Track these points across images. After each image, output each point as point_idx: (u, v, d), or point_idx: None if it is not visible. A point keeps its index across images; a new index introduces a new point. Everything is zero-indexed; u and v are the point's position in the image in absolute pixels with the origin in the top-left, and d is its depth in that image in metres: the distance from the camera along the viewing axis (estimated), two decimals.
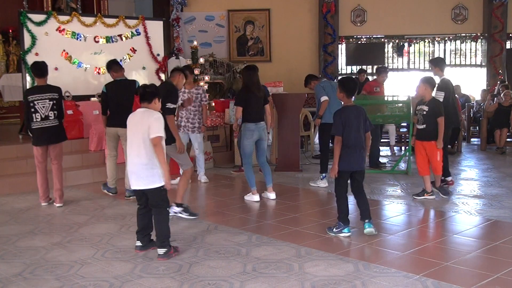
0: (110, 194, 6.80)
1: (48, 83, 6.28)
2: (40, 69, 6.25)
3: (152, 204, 4.44)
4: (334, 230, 5.00)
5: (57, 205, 6.28)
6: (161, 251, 4.38)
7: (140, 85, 4.72)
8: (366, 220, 5.00)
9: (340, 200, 5.03)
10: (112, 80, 6.71)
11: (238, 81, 12.66)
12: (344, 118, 4.91)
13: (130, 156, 4.43)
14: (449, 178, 7.07)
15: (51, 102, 6.12)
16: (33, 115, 6.05)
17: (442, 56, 14.17)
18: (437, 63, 7.15)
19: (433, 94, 6.96)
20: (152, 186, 4.35)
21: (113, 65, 6.73)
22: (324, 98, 7.27)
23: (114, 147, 6.75)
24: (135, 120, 4.44)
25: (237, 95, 6.49)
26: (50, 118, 6.13)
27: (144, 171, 4.32)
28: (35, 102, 6.05)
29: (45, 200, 6.33)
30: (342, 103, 5.13)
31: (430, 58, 13.78)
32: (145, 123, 4.30)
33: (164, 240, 4.40)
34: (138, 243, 4.56)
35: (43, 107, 6.07)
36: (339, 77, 8.12)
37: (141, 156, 4.31)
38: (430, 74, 7.58)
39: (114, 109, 6.61)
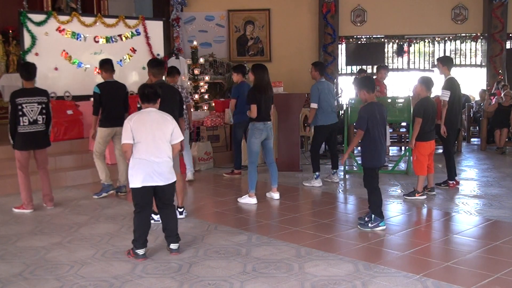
0: (106, 194, 6.69)
1: (36, 86, 6.11)
2: (28, 71, 6.04)
3: (166, 199, 4.50)
4: (370, 225, 5.13)
5: (49, 208, 6.25)
6: (176, 245, 4.49)
7: (141, 85, 4.63)
8: None
9: (374, 194, 5.18)
10: (103, 81, 6.70)
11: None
12: (370, 114, 5.08)
13: (150, 153, 4.33)
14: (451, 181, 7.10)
15: (40, 106, 5.96)
16: (20, 118, 5.85)
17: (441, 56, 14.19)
18: (445, 62, 7.13)
19: (439, 93, 7.01)
20: (172, 180, 4.48)
21: (105, 65, 6.71)
22: (313, 105, 7.31)
23: (105, 147, 6.76)
24: (152, 119, 4.41)
25: (248, 93, 6.42)
26: (39, 122, 5.98)
27: (167, 168, 4.42)
28: (23, 106, 5.85)
29: (32, 206, 6.12)
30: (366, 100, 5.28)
31: (437, 57, 13.71)
32: (169, 126, 4.46)
33: (178, 235, 4.55)
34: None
35: (32, 110, 5.90)
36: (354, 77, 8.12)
37: (166, 153, 4.42)
38: (430, 74, 7.59)
39: (108, 109, 6.61)
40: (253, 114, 6.28)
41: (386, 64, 13.65)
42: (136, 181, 4.35)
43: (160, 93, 4.56)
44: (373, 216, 5.15)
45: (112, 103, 6.63)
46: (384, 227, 5.14)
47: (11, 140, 6.01)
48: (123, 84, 6.92)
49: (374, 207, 5.17)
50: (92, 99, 9.00)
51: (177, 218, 4.65)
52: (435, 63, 12.84)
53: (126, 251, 4.48)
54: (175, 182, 4.56)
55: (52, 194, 6.33)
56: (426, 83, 6.47)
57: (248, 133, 6.46)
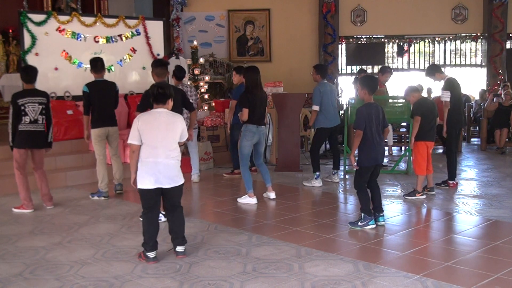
0: (103, 198, 6.69)
1: (36, 88, 6.16)
2: (29, 74, 6.09)
3: (174, 202, 4.45)
4: (360, 223, 5.19)
5: (49, 207, 6.25)
6: (182, 248, 4.44)
7: (152, 84, 4.56)
8: (381, 214, 5.29)
9: (361, 193, 5.26)
10: (93, 80, 6.69)
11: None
12: (367, 114, 5.14)
13: (158, 155, 4.26)
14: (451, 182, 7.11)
15: (41, 107, 6.02)
16: (23, 117, 5.91)
17: (442, 56, 14.28)
18: (433, 70, 7.17)
19: (440, 94, 7.04)
20: (180, 183, 4.42)
21: (95, 64, 6.68)
22: (315, 107, 7.31)
23: (103, 147, 6.74)
24: (161, 120, 4.32)
25: (241, 96, 6.42)
26: (39, 122, 6.02)
27: (175, 170, 4.37)
28: (26, 105, 5.91)
29: (32, 206, 6.14)
30: (364, 100, 5.33)
31: (429, 63, 13.81)
32: (178, 126, 4.39)
33: (184, 237, 4.50)
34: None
35: (33, 110, 5.95)
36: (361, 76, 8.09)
37: (174, 155, 4.36)
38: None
39: (99, 109, 6.60)
40: (244, 117, 6.29)
41: (387, 65, 13.70)
42: (143, 182, 4.28)
43: (172, 94, 4.48)
44: (362, 215, 5.21)
45: (102, 102, 6.62)
46: (374, 225, 5.19)
47: (11, 142, 6.02)
48: (112, 83, 6.89)
49: (362, 204, 5.25)
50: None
51: (184, 220, 4.54)
52: (437, 63, 12.94)
53: (137, 254, 4.43)
54: (183, 184, 4.47)
55: (50, 193, 6.34)
56: (411, 88, 6.63)
57: (240, 135, 6.45)
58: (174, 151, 4.37)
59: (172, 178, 4.34)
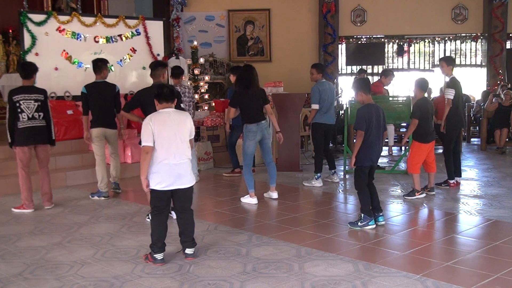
0: (103, 198, 6.67)
1: (34, 85, 6.16)
2: (25, 70, 6.09)
3: (186, 203, 4.42)
4: (359, 224, 5.20)
5: (47, 207, 6.24)
6: (191, 250, 4.39)
7: (158, 85, 4.53)
8: (380, 213, 5.31)
9: (362, 193, 5.27)
10: (92, 81, 6.69)
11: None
12: (367, 115, 5.16)
13: (172, 155, 4.22)
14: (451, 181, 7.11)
15: (37, 103, 6.00)
16: (20, 115, 5.91)
17: (442, 56, 14.23)
18: (450, 62, 7.18)
19: (443, 92, 7.03)
20: (193, 183, 4.41)
21: (95, 65, 6.68)
22: (314, 106, 7.32)
23: (102, 147, 6.73)
24: (172, 120, 4.28)
25: (232, 96, 6.45)
26: (36, 118, 6.01)
27: (188, 170, 4.34)
28: (21, 102, 5.91)
29: (33, 206, 6.13)
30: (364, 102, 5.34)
31: (438, 57, 13.73)
32: (188, 124, 4.37)
33: (194, 240, 4.45)
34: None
35: (28, 107, 5.94)
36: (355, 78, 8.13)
37: (186, 154, 4.33)
38: (430, 74, 7.58)
39: (97, 110, 6.60)
40: (230, 115, 6.44)
41: (387, 66, 13.72)
42: (157, 184, 4.23)
43: (176, 93, 4.47)
44: (362, 215, 5.21)
45: (100, 104, 6.61)
46: (374, 226, 5.19)
47: (9, 138, 6.00)
48: (112, 84, 6.86)
49: (362, 204, 5.25)
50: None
51: (194, 223, 4.51)
52: (437, 63, 12.90)
53: (143, 255, 4.39)
54: (192, 185, 4.44)
55: (51, 193, 6.34)
56: (420, 84, 6.54)
57: (243, 136, 6.47)
58: (187, 150, 4.34)
59: (186, 178, 4.31)
